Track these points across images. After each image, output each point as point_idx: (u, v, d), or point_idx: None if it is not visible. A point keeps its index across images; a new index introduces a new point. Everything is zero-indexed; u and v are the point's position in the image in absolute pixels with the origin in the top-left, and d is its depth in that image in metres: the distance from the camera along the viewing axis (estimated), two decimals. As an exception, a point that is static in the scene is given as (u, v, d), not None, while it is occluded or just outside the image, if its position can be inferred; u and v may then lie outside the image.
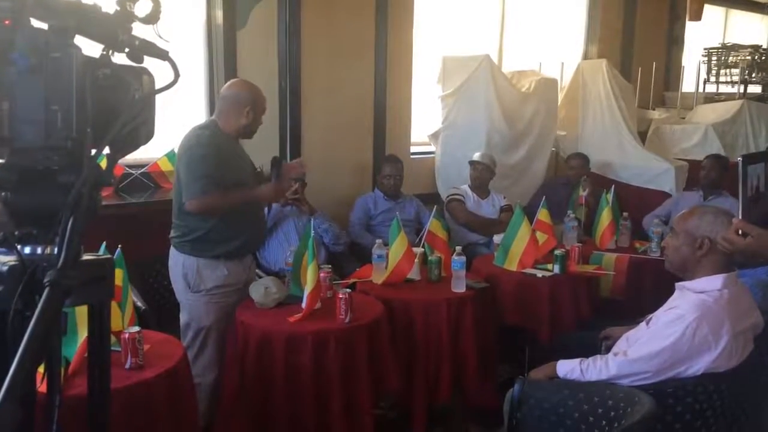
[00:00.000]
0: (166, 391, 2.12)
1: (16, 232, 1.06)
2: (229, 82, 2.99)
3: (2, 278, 1.03)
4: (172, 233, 2.86)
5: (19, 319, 0.96)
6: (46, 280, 0.91)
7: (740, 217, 1.63)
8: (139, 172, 3.70)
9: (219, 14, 3.96)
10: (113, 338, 2.16)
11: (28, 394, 0.92)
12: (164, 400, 2.11)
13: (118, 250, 2.37)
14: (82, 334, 2.01)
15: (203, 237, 2.79)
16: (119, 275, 2.32)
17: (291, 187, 3.68)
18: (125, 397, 1.97)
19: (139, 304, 2.84)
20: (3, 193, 1.06)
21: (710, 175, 4.57)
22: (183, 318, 2.87)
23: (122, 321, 2.35)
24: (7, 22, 0.97)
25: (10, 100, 0.99)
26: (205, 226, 2.78)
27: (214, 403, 2.78)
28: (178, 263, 2.85)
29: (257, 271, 3.45)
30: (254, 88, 2.91)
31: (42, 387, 1.07)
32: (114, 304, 2.31)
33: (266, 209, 3.67)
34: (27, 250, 1.06)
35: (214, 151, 2.73)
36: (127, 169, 3.68)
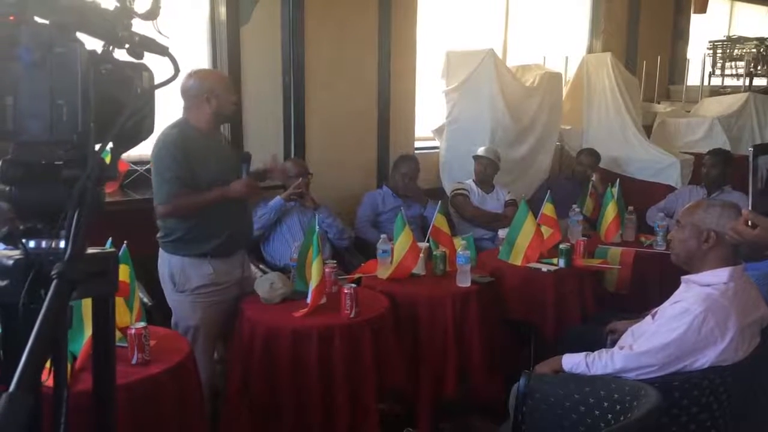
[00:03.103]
0: (173, 387, 2.13)
1: (21, 227, 1.07)
2: (184, 76, 2.82)
3: (8, 272, 1.04)
4: (158, 234, 2.83)
5: (25, 313, 0.97)
6: (53, 272, 0.92)
7: (750, 208, 1.63)
8: (144, 168, 3.70)
9: (222, 10, 3.96)
10: (120, 334, 2.18)
11: (37, 386, 0.92)
12: (171, 396, 2.11)
13: (124, 246, 2.37)
14: (88, 329, 2.01)
15: (184, 237, 2.75)
16: (125, 271, 2.33)
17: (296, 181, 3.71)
18: (132, 393, 1.98)
19: (145, 299, 2.85)
20: (8, 188, 1.06)
21: (711, 173, 4.55)
22: (173, 318, 2.85)
23: (129, 317, 2.36)
24: (11, 17, 0.97)
25: (15, 94, 1.00)
26: (184, 226, 2.74)
27: (210, 399, 2.78)
28: (165, 263, 2.82)
29: (261, 266, 3.45)
30: (209, 73, 2.84)
31: (49, 381, 1.08)
32: (121, 300, 2.31)
33: (265, 203, 3.68)
34: (32, 244, 1.07)
35: (181, 151, 2.65)
36: (132, 165, 3.69)
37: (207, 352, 2.83)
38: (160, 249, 2.85)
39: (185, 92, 2.76)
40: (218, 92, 2.75)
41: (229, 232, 2.81)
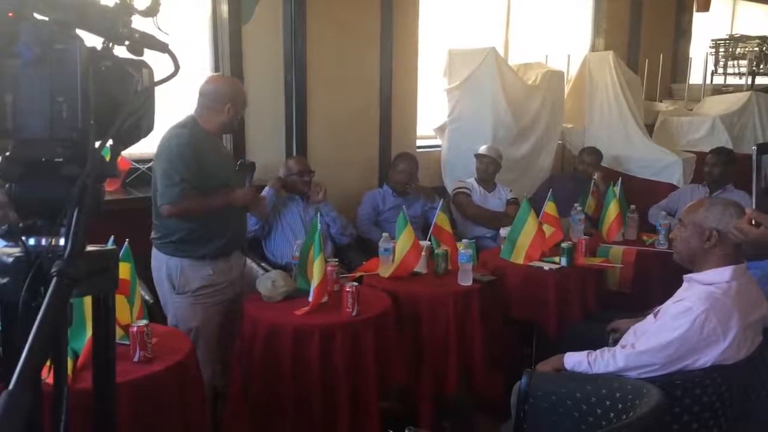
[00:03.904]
0: (175, 384, 2.13)
1: (21, 224, 1.07)
2: (207, 77, 2.87)
3: (8, 270, 1.04)
4: (153, 234, 2.81)
5: (26, 311, 0.96)
6: (53, 270, 0.92)
7: (753, 206, 1.63)
8: (146, 166, 3.70)
9: (224, 8, 3.96)
10: (122, 332, 2.18)
11: (37, 384, 0.92)
12: (173, 393, 2.11)
13: (126, 243, 2.37)
14: (91, 327, 2.02)
15: (184, 238, 2.74)
16: (127, 269, 2.33)
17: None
18: (134, 390, 1.98)
19: (146, 297, 2.84)
20: (8, 185, 1.06)
21: (713, 172, 4.55)
22: (169, 320, 2.82)
23: (130, 314, 2.36)
24: (10, 14, 0.97)
25: (14, 92, 0.99)
26: (185, 228, 2.72)
27: (210, 398, 2.77)
28: (162, 264, 2.80)
29: (263, 264, 3.45)
30: (234, 83, 2.85)
31: (49, 379, 1.08)
32: (122, 298, 2.31)
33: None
34: (31, 241, 1.07)
35: (192, 152, 2.65)
36: (134, 164, 3.69)
37: (207, 352, 2.82)
38: (155, 250, 2.82)
39: (205, 95, 2.77)
40: (238, 105, 2.79)
41: (229, 234, 2.81)
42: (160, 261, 2.81)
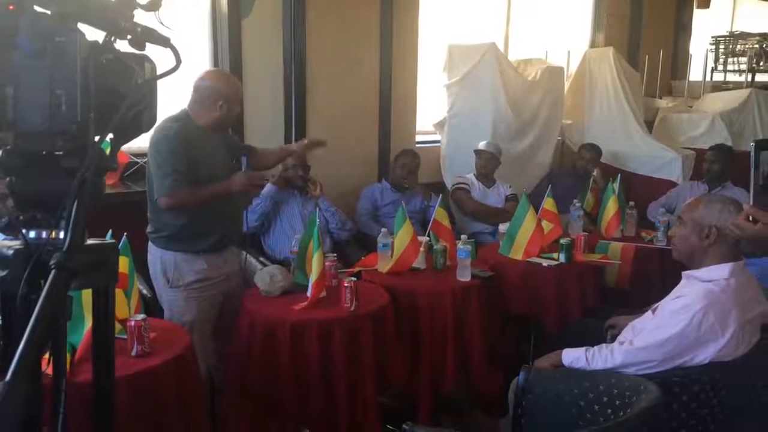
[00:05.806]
0: (173, 379, 2.13)
1: (21, 217, 1.07)
2: (202, 72, 2.84)
3: (8, 262, 1.04)
4: (148, 228, 2.80)
5: (24, 303, 0.96)
6: (51, 262, 0.92)
7: (751, 203, 1.63)
8: (144, 160, 3.68)
9: (224, 3, 3.95)
10: (119, 326, 2.17)
11: (35, 375, 0.92)
12: (171, 388, 2.11)
13: (124, 237, 2.37)
14: (89, 320, 2.01)
15: (178, 233, 2.73)
16: (125, 263, 2.33)
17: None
18: (132, 385, 1.98)
19: (144, 291, 2.84)
20: (8, 178, 1.06)
21: (713, 168, 4.56)
22: (165, 314, 2.81)
23: (128, 309, 2.36)
24: (11, 7, 0.97)
25: (15, 84, 0.99)
26: (179, 222, 2.71)
27: (209, 394, 2.76)
28: (156, 258, 2.79)
29: (261, 259, 3.45)
30: (230, 80, 2.82)
31: (48, 371, 1.08)
32: (120, 292, 2.31)
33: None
34: (32, 234, 1.07)
35: (182, 145, 2.63)
36: (133, 157, 3.69)
37: (203, 346, 2.81)
38: (150, 244, 2.82)
39: (199, 90, 2.74)
40: (230, 101, 2.75)
41: (223, 229, 2.81)
42: (155, 255, 2.81)
